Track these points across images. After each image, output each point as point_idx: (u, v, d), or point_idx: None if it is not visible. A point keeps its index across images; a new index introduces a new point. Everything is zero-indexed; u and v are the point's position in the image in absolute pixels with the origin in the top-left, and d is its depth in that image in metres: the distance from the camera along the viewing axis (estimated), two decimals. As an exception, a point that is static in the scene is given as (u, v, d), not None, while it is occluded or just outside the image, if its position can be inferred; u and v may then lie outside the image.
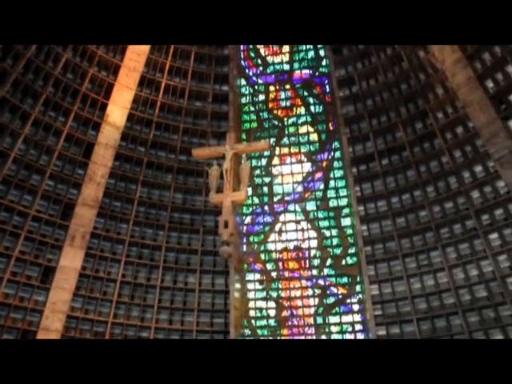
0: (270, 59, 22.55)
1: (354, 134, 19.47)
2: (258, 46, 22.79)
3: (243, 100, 22.07)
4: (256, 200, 20.48)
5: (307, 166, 20.65)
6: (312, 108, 21.36)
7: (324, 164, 20.47)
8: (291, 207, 20.09)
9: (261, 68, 22.52)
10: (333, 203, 19.61)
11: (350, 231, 18.79)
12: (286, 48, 22.49)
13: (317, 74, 21.72)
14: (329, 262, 18.76)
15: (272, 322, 18.22)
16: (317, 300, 18.29)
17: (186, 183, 19.62)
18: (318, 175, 20.37)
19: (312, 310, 18.13)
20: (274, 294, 18.70)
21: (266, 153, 20.68)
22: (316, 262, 18.91)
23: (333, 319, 17.78)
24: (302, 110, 21.51)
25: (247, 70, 22.55)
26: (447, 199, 16.66)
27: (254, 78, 22.43)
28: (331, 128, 20.79)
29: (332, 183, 19.95)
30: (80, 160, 17.55)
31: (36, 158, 16.53)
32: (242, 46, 22.64)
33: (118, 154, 18.46)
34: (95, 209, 17.41)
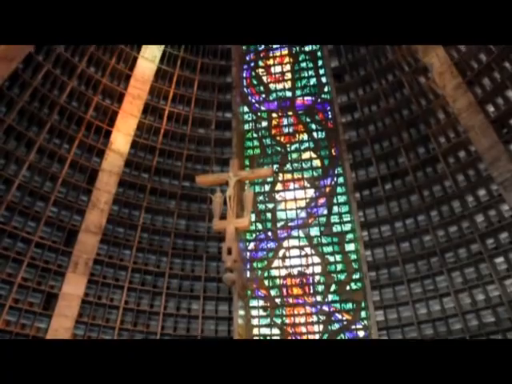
0: (272, 86, 22.83)
1: (357, 159, 19.54)
2: (261, 73, 23.11)
3: (246, 127, 22.28)
4: (259, 226, 20.45)
5: (310, 192, 20.67)
6: (314, 134, 21.51)
7: (327, 189, 20.49)
8: (295, 233, 20.03)
9: (263, 95, 22.79)
10: (336, 229, 19.55)
11: (354, 256, 18.68)
12: (288, 75, 22.79)
13: (319, 100, 21.95)
14: (333, 287, 18.60)
15: (276, 349, 17.92)
16: (321, 326, 18.07)
17: (189, 209, 19.65)
18: (322, 201, 20.37)
19: (317, 337, 17.88)
20: (278, 321, 18.50)
21: (270, 179, 20.74)
22: (320, 287, 18.75)
23: (338, 346, 17.47)
24: (305, 136, 21.66)
25: (250, 97, 22.82)
26: (451, 223, 16.58)
27: (257, 105, 22.68)
28: (334, 154, 20.88)
29: (335, 209, 19.93)
30: (84, 187, 17.64)
31: (40, 185, 16.60)
32: (244, 73, 22.99)
33: (121, 180, 18.55)
34: (98, 235, 17.40)
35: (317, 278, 18.98)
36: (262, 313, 18.75)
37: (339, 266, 18.89)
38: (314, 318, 18.28)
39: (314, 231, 19.81)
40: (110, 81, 19.02)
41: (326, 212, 20.03)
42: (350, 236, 19.14)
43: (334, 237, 19.45)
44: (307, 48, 22.88)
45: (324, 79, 21.96)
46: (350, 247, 18.97)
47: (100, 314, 16.72)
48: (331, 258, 19.11)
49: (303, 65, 22.74)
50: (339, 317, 18.09)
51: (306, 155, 21.33)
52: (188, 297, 18.06)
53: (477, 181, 16.20)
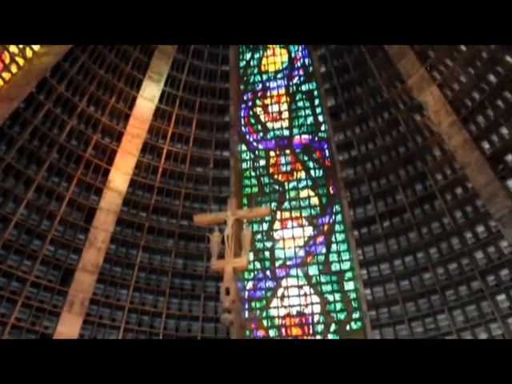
0: (270, 125, 23.08)
1: (355, 197, 19.60)
2: (258, 112, 23.44)
3: (244, 165, 22.38)
4: (258, 265, 20.26)
5: (309, 230, 20.58)
6: (312, 172, 21.60)
7: (325, 228, 20.41)
8: (293, 272, 19.82)
9: (261, 134, 23.01)
10: (335, 267, 19.36)
11: (353, 295, 18.43)
12: (285, 114, 23.09)
13: (316, 138, 22.15)
14: (333, 327, 18.26)
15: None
16: (322, 368, 17.61)
17: (187, 248, 19.51)
18: (320, 239, 20.26)
19: (317, 379, 17.40)
20: (278, 362, 18.03)
21: (268, 217, 20.65)
22: (320, 327, 18.41)
23: (339, 388, 17.03)
24: (303, 175, 21.73)
25: (248, 136, 23.02)
26: (451, 260, 16.48)
27: (255, 144, 22.86)
28: (332, 192, 20.91)
29: (334, 247, 19.78)
30: (81, 225, 17.57)
31: (37, 223, 16.54)
32: (242, 112, 23.30)
33: (119, 219, 18.50)
34: (95, 274, 17.20)
35: (316, 317, 18.66)
36: (260, 354, 18.29)
37: (338, 305, 18.60)
38: (314, 359, 17.84)
39: (313, 270, 19.61)
40: (110, 120, 19.25)
41: (324, 250, 19.89)
42: (348, 274, 18.94)
43: (332, 275, 19.23)
44: (304, 87, 23.29)
45: (321, 118, 22.24)
46: (349, 286, 18.73)
47: (95, 356, 16.31)
48: (330, 297, 18.84)
49: (300, 104, 23.08)
50: (339, 357, 17.66)
51: (303, 193, 21.35)
52: (186, 337, 17.69)
53: (475, 217, 16.21)
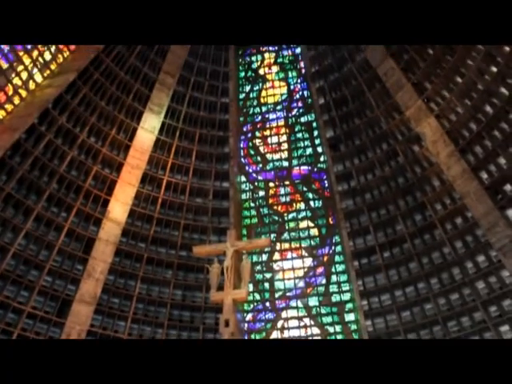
0: (269, 156, 23.27)
1: (354, 227, 19.55)
2: (258, 144, 23.63)
3: (243, 196, 22.45)
4: (257, 296, 20.07)
5: (308, 261, 20.49)
6: (311, 203, 21.65)
7: (325, 258, 20.34)
8: (293, 303, 19.64)
9: (260, 165, 23.17)
10: (335, 298, 19.19)
11: (354, 327, 18.19)
12: (284, 145, 23.29)
13: (315, 169, 22.30)
14: (334, 360, 17.92)
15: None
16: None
17: (186, 279, 19.34)
18: (320, 270, 20.16)
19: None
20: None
21: (267, 248, 20.55)
22: (321, 360, 18.06)
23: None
24: (302, 205, 21.78)
25: (247, 167, 23.18)
26: (452, 291, 16.32)
27: (254, 175, 22.99)
28: (331, 222, 20.91)
29: (334, 278, 19.67)
30: (80, 256, 17.45)
31: (36, 253, 16.41)
32: (241, 144, 23.50)
33: (118, 249, 18.40)
34: (93, 305, 17.00)
35: (317, 349, 18.33)
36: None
37: (339, 337, 18.33)
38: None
39: (313, 301, 19.42)
40: (110, 150, 19.37)
41: (324, 281, 19.76)
42: (349, 306, 18.75)
43: (333, 307, 19.05)
44: (303, 119, 23.57)
45: (320, 149, 22.43)
46: (350, 317, 18.53)
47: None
48: (331, 329, 18.61)
49: (299, 135, 23.33)
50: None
51: (303, 224, 21.35)
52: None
53: (475, 247, 16.14)
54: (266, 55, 26.01)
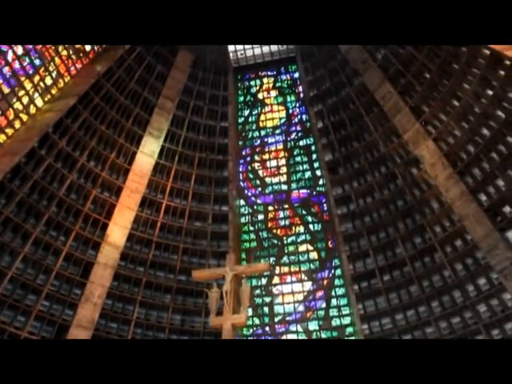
0: (268, 180, 23.33)
1: (354, 251, 19.47)
2: (257, 167, 23.70)
3: (242, 220, 22.42)
4: (257, 321, 19.86)
5: (308, 285, 20.35)
6: (311, 226, 21.62)
7: (325, 282, 20.20)
8: (293, 327, 19.43)
9: (259, 188, 23.21)
10: (336, 322, 19.00)
11: (355, 351, 17.92)
12: (283, 169, 23.38)
13: (314, 193, 22.34)
14: (335, 385, 17.64)
15: None
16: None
17: (184, 304, 19.16)
18: (320, 294, 20.00)
19: None
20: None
21: (266, 272, 20.43)
22: (321, 386, 17.78)
23: None
24: (301, 229, 21.74)
25: (246, 191, 23.22)
26: (454, 314, 16.16)
27: (253, 199, 23.01)
28: (330, 246, 20.85)
29: (334, 301, 19.51)
30: (78, 280, 17.32)
31: (33, 278, 16.29)
32: (240, 168, 23.58)
33: (116, 273, 18.28)
34: (90, 330, 16.78)
35: (317, 375, 18.07)
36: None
37: (340, 362, 18.05)
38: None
39: (313, 325, 19.23)
40: (109, 174, 19.43)
41: (324, 305, 19.60)
42: (349, 330, 18.54)
43: (333, 331, 18.84)
44: (301, 143, 23.71)
45: (319, 172, 22.51)
46: (351, 342, 18.29)
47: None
48: (332, 354, 18.31)
49: (298, 159, 23.44)
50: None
51: (302, 248, 21.27)
52: None
53: (476, 270, 16.05)
54: (265, 80, 26.34)
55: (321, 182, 22.30)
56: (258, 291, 20.45)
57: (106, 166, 19.29)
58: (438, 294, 16.75)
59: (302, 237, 21.56)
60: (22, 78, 17.57)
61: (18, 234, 16.17)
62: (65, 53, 19.43)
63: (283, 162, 23.66)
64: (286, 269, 21.03)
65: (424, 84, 18.48)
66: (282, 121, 24.77)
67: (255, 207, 22.77)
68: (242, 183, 23.37)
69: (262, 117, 25.17)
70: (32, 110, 17.86)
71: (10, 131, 16.98)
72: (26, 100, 17.66)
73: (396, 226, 18.68)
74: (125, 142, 20.14)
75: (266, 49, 25.55)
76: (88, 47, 20.47)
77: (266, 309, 20.13)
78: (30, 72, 17.88)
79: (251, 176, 23.63)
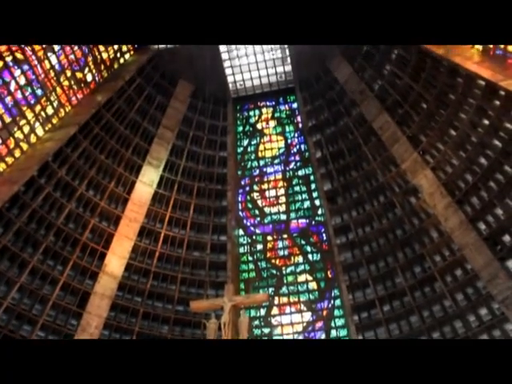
0: (267, 210, 23.28)
1: (353, 280, 19.32)
2: (255, 197, 23.71)
3: (241, 250, 22.28)
4: (255, 352, 19.48)
5: (307, 316, 20.09)
6: (310, 256, 21.49)
7: (324, 313, 19.95)
8: (292, 359, 19.03)
9: (258, 218, 23.14)
10: (336, 354, 18.63)
11: None
12: (282, 199, 23.38)
13: (313, 222, 22.27)
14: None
15: None
16: None
17: (182, 335, 18.86)
18: (319, 324, 19.73)
19: None
20: None
21: (265, 303, 20.18)
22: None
23: None
24: (300, 259, 21.59)
25: (245, 221, 23.15)
26: (455, 345, 15.89)
27: (252, 228, 22.91)
28: (330, 276, 20.67)
29: (334, 332, 19.23)
30: (74, 310, 17.11)
31: (29, 308, 16.07)
32: (239, 197, 23.59)
33: (113, 304, 18.08)
34: (86, 362, 16.45)
35: (317, 408, 17.66)
36: None
37: (341, 395, 17.68)
38: None
39: (313, 357, 18.85)
40: (108, 204, 19.42)
41: (323, 336, 19.29)
42: (350, 361, 18.18)
43: (333, 363, 18.46)
44: (300, 172, 23.79)
45: (317, 202, 22.52)
46: (352, 374, 17.93)
47: None
48: (332, 386, 17.95)
49: (297, 188, 23.48)
50: None
51: (301, 278, 21.08)
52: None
53: (477, 299, 15.88)
54: (264, 110, 26.59)
55: (320, 212, 22.28)
56: (256, 322, 20.17)
57: (104, 195, 19.31)
58: (439, 324, 16.54)
59: (301, 267, 21.38)
60: (24, 108, 17.75)
61: (15, 263, 16.05)
62: (66, 83, 19.69)
63: (282, 191, 23.68)
64: (284, 299, 20.79)
65: (421, 114, 18.70)
66: (281, 151, 24.91)
67: (254, 237, 22.66)
68: (240, 213, 23.33)
69: (261, 147, 25.31)
70: (33, 139, 18.00)
71: (9, 160, 17.05)
72: (26, 129, 17.82)
73: (395, 255, 18.60)
74: (124, 172, 20.22)
75: (264, 80, 25.86)
76: (89, 77, 20.73)
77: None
78: (32, 102, 18.07)
79: (250, 206, 23.61)
